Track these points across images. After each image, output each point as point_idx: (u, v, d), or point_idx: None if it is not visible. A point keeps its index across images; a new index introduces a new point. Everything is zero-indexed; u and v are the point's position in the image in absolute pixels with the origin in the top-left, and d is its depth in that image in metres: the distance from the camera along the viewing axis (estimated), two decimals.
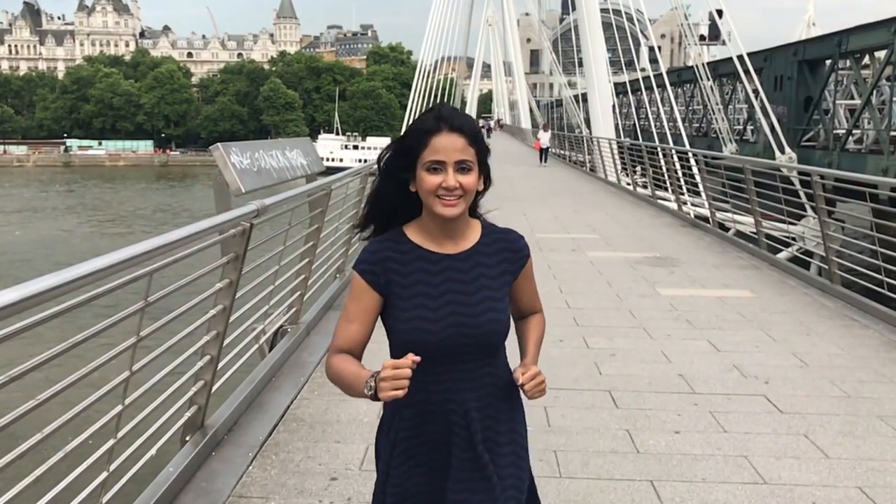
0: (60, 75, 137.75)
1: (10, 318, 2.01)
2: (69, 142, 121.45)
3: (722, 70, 33.94)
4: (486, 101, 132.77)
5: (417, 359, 1.70)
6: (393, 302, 1.89)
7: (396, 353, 1.85)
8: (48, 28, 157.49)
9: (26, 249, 36.68)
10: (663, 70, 33.74)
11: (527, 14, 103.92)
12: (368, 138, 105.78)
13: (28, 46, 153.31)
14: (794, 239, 12.89)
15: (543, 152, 30.48)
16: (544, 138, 31.03)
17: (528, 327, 2.13)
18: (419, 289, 1.88)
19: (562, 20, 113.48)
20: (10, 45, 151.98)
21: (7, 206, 58.29)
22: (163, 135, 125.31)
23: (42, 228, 46.13)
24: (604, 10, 29.52)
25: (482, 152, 1.91)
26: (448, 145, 1.84)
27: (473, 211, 2.03)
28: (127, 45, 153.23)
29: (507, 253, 1.99)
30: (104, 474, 2.76)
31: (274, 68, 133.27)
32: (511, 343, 2.00)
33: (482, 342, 1.89)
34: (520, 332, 2.13)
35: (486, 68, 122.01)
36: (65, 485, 2.49)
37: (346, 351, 1.92)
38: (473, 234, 1.98)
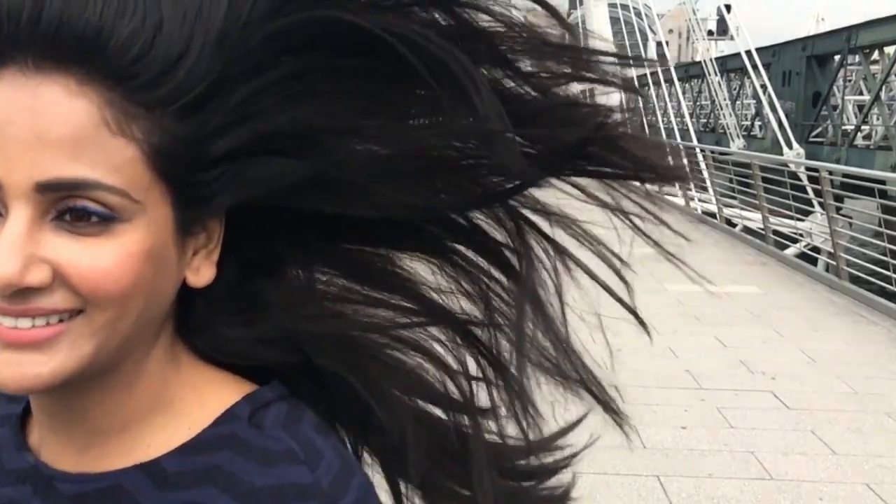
0: None
1: None
2: None
3: (730, 65, 33.81)
4: None
5: None
6: None
7: None
8: None
9: None
10: (671, 65, 33.63)
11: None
12: None
13: None
14: (801, 235, 12.84)
15: None
16: None
17: None
18: None
19: (569, 15, 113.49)
20: None
21: None
22: None
23: None
24: (611, 5, 29.45)
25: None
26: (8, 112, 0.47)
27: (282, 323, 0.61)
28: None
29: None
30: None
31: None
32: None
33: None
34: None
35: None
36: None
37: None
38: (169, 427, 0.58)
